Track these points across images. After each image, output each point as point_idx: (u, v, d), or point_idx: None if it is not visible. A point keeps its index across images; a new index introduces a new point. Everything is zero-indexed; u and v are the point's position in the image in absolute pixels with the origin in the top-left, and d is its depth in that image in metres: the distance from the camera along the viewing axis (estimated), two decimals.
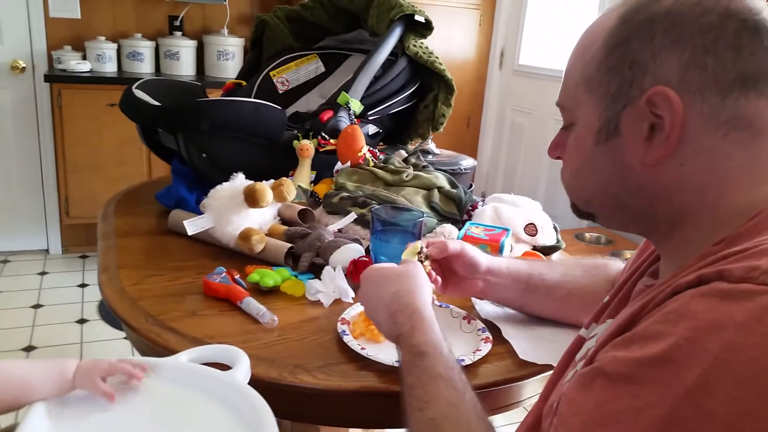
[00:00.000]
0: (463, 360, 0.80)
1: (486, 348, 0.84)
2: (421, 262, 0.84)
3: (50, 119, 3.04)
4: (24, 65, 3.03)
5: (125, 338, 2.45)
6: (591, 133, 0.58)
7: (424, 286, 0.77)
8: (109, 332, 2.55)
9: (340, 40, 1.77)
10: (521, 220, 1.19)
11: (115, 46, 3.11)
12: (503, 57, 3.72)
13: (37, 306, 2.76)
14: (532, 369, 0.83)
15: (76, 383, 0.65)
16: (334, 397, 0.78)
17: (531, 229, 1.19)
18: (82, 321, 2.65)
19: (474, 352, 0.83)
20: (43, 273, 3.08)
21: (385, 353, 0.81)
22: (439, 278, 0.88)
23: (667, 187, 0.55)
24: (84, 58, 3.06)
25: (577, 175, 0.62)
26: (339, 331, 0.86)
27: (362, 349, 0.82)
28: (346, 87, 1.41)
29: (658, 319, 0.46)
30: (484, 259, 0.90)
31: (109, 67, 3.11)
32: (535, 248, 1.20)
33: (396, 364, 0.78)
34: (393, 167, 1.31)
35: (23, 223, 3.24)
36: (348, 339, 0.84)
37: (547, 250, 1.21)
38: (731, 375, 0.40)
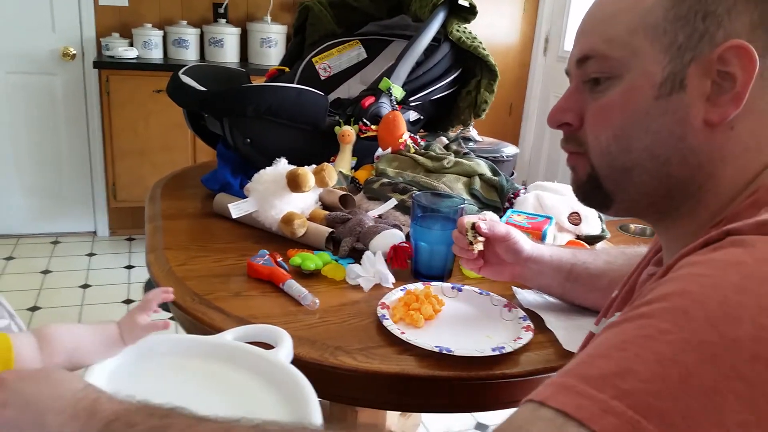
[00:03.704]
0: (503, 347, 0.80)
1: (527, 336, 0.84)
2: (474, 238, 0.86)
3: (98, 105, 3.13)
4: (74, 52, 3.11)
5: (171, 318, 2.52)
6: (651, 85, 0.52)
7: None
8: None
9: (383, 26, 1.76)
10: (565, 208, 1.18)
11: (161, 33, 3.17)
12: (547, 43, 3.65)
13: (85, 286, 2.86)
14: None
15: (126, 340, 0.68)
16: (373, 379, 0.79)
17: (575, 218, 1.17)
18: (128, 301, 2.73)
19: (515, 340, 0.82)
20: (91, 254, 3.19)
21: (425, 338, 0.81)
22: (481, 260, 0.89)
23: (717, 152, 0.52)
24: (131, 45, 3.13)
25: (623, 136, 0.55)
26: (379, 315, 0.87)
27: (402, 333, 0.82)
28: (388, 73, 1.41)
29: (666, 279, 0.44)
30: (527, 245, 0.89)
31: (156, 54, 3.17)
32: (578, 237, 1.18)
33: (436, 349, 0.78)
34: (434, 154, 1.31)
35: (72, 206, 3.35)
36: (388, 323, 0.85)
37: (591, 240, 1.19)
38: (755, 302, 0.38)
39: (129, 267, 3.05)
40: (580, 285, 0.90)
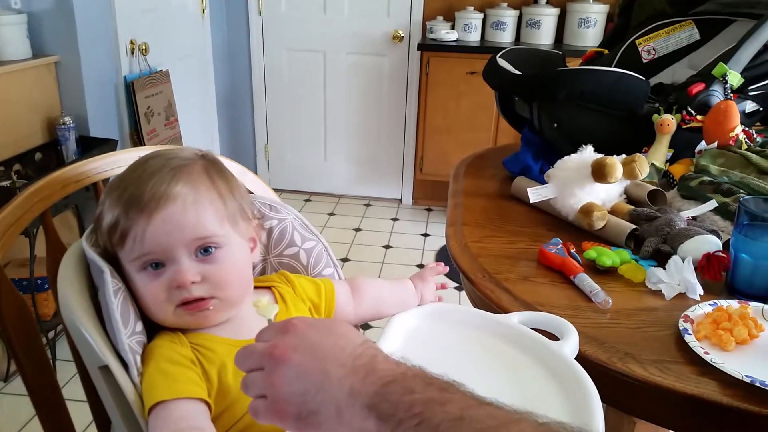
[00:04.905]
0: None
1: None
2: None
3: (417, 84, 3.40)
4: (402, 35, 3.43)
5: (455, 288, 2.67)
6: None
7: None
8: (441, 279, 2.83)
9: (724, 4, 1.55)
10: None
11: (481, 15, 3.29)
12: None
13: (387, 246, 3.19)
14: None
15: (420, 291, 0.87)
16: (664, 396, 0.72)
17: None
18: (421, 266, 2.97)
19: None
20: (394, 219, 3.53)
21: (732, 363, 0.71)
22: None
23: None
24: (452, 27, 3.32)
25: None
26: (680, 328, 0.79)
27: (705, 353, 0.73)
28: (725, 57, 1.24)
29: None
30: None
31: (473, 37, 3.31)
32: None
33: (746, 379, 0.68)
34: None
35: (384, 173, 3.75)
36: (690, 339, 0.76)
37: None
38: None
39: (425, 235, 3.30)
40: None
